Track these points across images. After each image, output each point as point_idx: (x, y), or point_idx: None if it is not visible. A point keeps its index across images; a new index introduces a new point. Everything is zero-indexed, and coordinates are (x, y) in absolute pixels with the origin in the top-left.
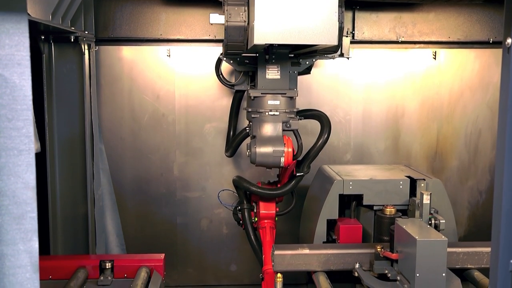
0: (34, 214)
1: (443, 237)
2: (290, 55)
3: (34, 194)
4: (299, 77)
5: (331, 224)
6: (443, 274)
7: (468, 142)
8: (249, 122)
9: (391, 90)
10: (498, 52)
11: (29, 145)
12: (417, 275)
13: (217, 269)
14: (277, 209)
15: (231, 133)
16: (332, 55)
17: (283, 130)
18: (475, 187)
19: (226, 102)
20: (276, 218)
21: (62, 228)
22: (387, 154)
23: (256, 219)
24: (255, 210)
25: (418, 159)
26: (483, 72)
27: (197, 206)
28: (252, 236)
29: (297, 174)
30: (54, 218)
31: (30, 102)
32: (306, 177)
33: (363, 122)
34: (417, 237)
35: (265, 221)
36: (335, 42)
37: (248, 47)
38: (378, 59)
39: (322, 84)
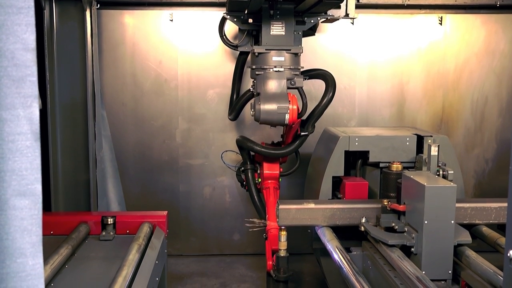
0: (34, 79)
1: (452, 183)
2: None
3: (34, 56)
4: (304, 40)
5: (337, 184)
6: (452, 222)
7: (475, 110)
8: (253, 80)
9: (396, 56)
10: (504, 18)
11: (29, 2)
12: (425, 222)
13: (220, 238)
14: (281, 170)
15: (235, 96)
16: (338, 15)
17: (288, 87)
18: (481, 156)
19: (229, 68)
20: (280, 179)
21: (63, 192)
22: (392, 121)
23: (260, 180)
24: (258, 171)
25: (424, 126)
26: (489, 38)
27: (200, 173)
28: (255, 197)
29: (302, 134)
30: (55, 182)
31: None
32: (309, 143)
33: (368, 89)
34: (425, 183)
35: (269, 181)
36: None
37: None
38: (383, 25)
39: (326, 49)
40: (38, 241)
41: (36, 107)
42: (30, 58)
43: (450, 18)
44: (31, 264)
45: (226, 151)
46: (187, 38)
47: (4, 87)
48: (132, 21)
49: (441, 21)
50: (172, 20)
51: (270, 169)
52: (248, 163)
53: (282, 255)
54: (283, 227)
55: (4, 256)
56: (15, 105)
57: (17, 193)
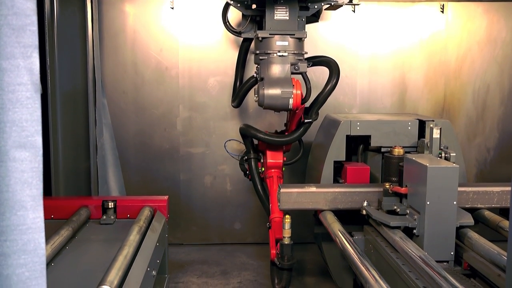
0: (35, 28)
1: (454, 164)
2: None
3: (34, 5)
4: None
5: (338, 169)
6: (454, 203)
7: (476, 98)
8: (257, 66)
9: (398, 45)
10: (506, 6)
11: None
12: (428, 203)
13: (220, 227)
14: (285, 159)
15: (238, 83)
16: (342, 1)
17: (292, 73)
18: (483, 144)
19: (230, 55)
20: (284, 168)
21: (64, 179)
22: (394, 110)
23: (263, 169)
24: (261, 161)
25: (425, 115)
26: (491, 27)
27: (200, 162)
28: (259, 186)
29: (305, 121)
30: (56, 168)
31: None
32: (311, 133)
33: (369, 77)
34: (427, 164)
35: (272, 170)
36: None
37: None
38: (384, 14)
39: (327, 38)
40: (39, 195)
41: (36, 57)
42: (30, 7)
43: (452, 6)
44: (31, 218)
45: (229, 140)
46: (188, 26)
47: (4, 36)
48: (133, 8)
49: (442, 9)
50: (173, 8)
51: (274, 158)
52: (252, 152)
53: (286, 242)
54: (287, 215)
55: (4, 209)
56: (15, 55)
57: (17, 145)
